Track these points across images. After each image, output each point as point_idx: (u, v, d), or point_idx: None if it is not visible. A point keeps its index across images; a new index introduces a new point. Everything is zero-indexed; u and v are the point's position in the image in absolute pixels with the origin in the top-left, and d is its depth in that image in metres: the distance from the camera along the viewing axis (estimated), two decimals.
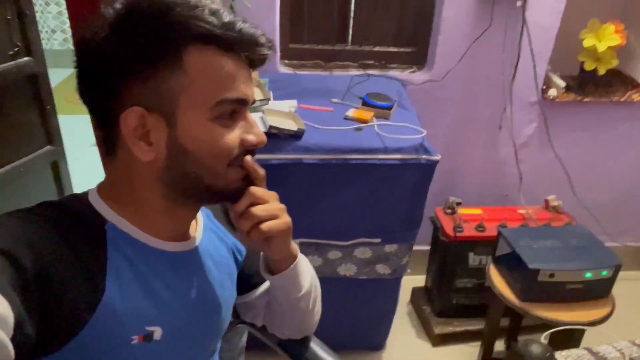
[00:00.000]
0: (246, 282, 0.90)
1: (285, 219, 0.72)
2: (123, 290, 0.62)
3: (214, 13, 0.58)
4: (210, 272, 0.77)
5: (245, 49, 0.62)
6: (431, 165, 1.65)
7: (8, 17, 2.05)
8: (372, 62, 2.16)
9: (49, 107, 2.06)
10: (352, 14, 2.11)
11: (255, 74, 1.89)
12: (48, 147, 2.30)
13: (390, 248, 1.81)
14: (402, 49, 2.17)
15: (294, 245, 0.80)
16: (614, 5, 2.14)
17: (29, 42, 2.14)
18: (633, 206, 2.47)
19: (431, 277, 2.28)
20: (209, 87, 0.60)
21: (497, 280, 1.76)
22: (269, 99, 1.78)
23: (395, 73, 2.15)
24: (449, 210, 2.13)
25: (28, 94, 2.10)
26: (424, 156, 1.64)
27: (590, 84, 2.15)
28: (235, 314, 0.98)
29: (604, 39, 2.00)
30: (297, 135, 1.62)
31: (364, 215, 1.72)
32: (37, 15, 4.68)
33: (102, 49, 0.59)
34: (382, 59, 2.16)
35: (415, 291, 2.42)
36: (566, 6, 1.97)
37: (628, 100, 2.14)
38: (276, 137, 1.63)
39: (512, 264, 1.71)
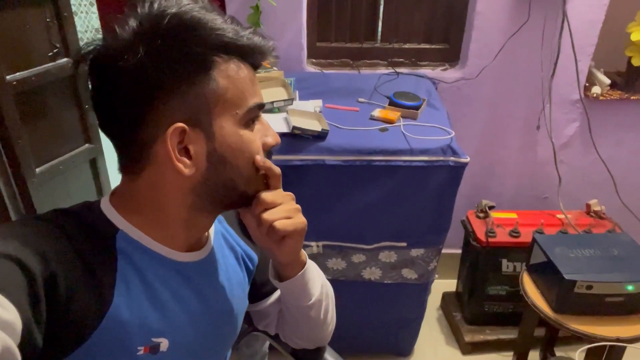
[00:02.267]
0: (259, 290, 0.89)
1: (299, 219, 0.71)
2: (131, 300, 0.62)
3: (232, 25, 0.61)
4: (220, 281, 0.77)
5: (257, 58, 0.65)
6: (459, 168, 1.58)
7: (47, 20, 2.11)
8: (401, 59, 2.09)
9: (87, 106, 2.12)
10: (381, 10, 2.05)
11: (280, 73, 1.86)
12: (87, 146, 2.37)
13: (416, 252, 1.75)
14: (433, 46, 2.09)
15: (304, 253, 0.78)
16: None
17: (68, 43, 2.20)
18: None
19: (462, 282, 2.20)
20: (239, 95, 0.62)
21: (531, 289, 1.67)
22: (293, 99, 1.75)
23: (425, 71, 2.07)
24: (481, 214, 2.05)
25: (67, 94, 2.17)
26: (452, 158, 1.56)
27: (638, 80, 2.00)
28: (249, 321, 0.96)
29: None
30: (320, 136, 1.59)
31: (389, 218, 1.67)
32: (82, 15, 4.85)
33: (132, 69, 0.57)
34: (412, 57, 2.09)
35: (445, 296, 2.34)
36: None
37: None
38: (299, 137, 1.60)
39: (547, 273, 1.62)
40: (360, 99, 1.85)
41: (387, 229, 1.69)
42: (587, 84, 2.01)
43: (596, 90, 1.99)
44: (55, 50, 2.16)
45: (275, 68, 1.89)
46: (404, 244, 1.72)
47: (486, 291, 2.04)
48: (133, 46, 0.57)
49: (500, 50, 1.95)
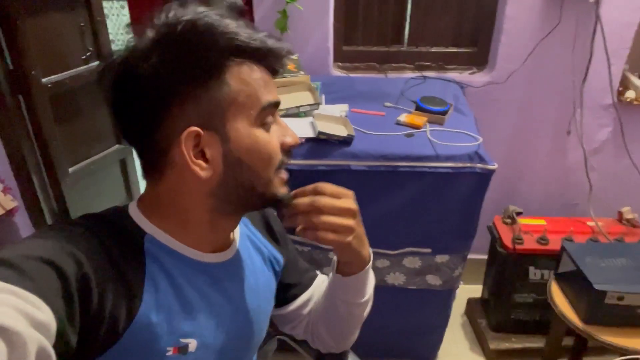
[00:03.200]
0: (285, 293, 0.89)
1: (344, 239, 0.69)
2: (159, 302, 0.63)
3: (246, 29, 0.61)
4: (247, 281, 0.77)
5: (272, 61, 0.64)
6: (486, 175, 1.55)
7: (81, 24, 2.18)
8: (428, 63, 2.08)
9: None
10: (408, 14, 2.04)
11: (306, 78, 1.88)
12: (117, 146, 2.44)
13: (441, 259, 1.74)
14: (461, 50, 2.07)
15: (367, 251, 0.78)
16: None
17: (100, 46, 2.26)
18: None
19: (488, 289, 2.17)
20: (252, 96, 0.62)
21: (559, 299, 1.64)
22: (319, 104, 1.75)
23: (453, 75, 2.05)
24: (508, 220, 2.01)
25: (99, 96, 2.23)
26: (479, 165, 1.54)
27: None
28: (273, 325, 0.97)
29: None
30: (346, 141, 1.59)
31: (413, 224, 1.66)
32: (113, 17, 4.97)
33: (147, 76, 0.59)
34: (439, 60, 2.07)
35: (470, 302, 2.31)
36: None
37: None
38: (325, 142, 1.61)
39: (576, 282, 1.58)
40: (387, 104, 1.84)
41: (412, 235, 1.68)
42: (620, 88, 1.96)
43: (630, 94, 1.94)
44: (88, 54, 2.23)
45: (301, 72, 1.89)
46: (429, 250, 1.71)
47: (512, 298, 2.01)
48: (149, 54, 0.58)
49: (530, 54, 1.91)
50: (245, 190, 0.65)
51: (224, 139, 0.61)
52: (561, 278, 1.68)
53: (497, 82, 2.00)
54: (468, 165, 1.54)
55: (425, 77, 2.00)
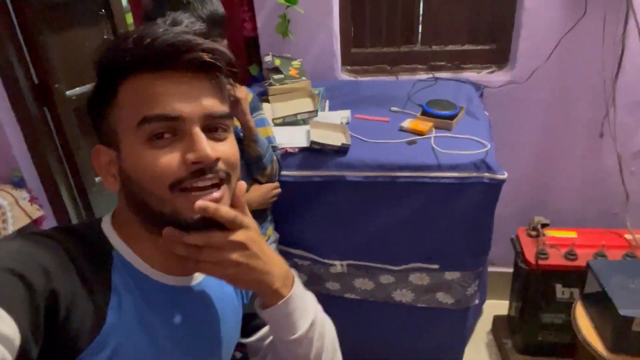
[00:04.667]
0: (249, 323, 0.85)
1: (226, 272, 0.63)
2: (122, 320, 0.61)
3: (136, 41, 0.58)
4: (213, 308, 0.75)
5: (165, 62, 0.59)
6: (495, 185, 1.41)
7: (105, 37, 2.22)
8: (443, 63, 1.94)
9: None
10: (420, 11, 1.91)
11: (307, 83, 1.79)
12: None
13: (451, 276, 1.60)
14: (478, 47, 1.91)
15: (278, 284, 0.69)
16: None
17: None
18: None
19: (514, 306, 2.00)
20: (133, 109, 0.59)
21: (584, 322, 1.47)
22: (317, 111, 1.67)
23: (470, 75, 1.90)
24: (532, 232, 1.84)
25: None
26: (487, 174, 1.40)
27: None
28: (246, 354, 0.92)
29: None
30: (341, 150, 1.50)
31: (417, 238, 1.54)
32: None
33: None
34: (455, 59, 1.93)
35: (496, 320, 2.14)
36: None
37: None
38: (319, 152, 1.52)
39: (601, 305, 1.41)
40: (393, 108, 1.73)
41: (416, 249, 1.56)
42: None
43: None
44: None
45: (304, 78, 1.82)
46: (437, 267, 1.58)
47: (540, 318, 1.83)
48: None
49: (554, 49, 1.74)
50: (143, 209, 0.62)
51: (119, 156, 0.62)
52: (587, 300, 1.51)
53: (519, 81, 1.83)
54: (474, 175, 1.41)
55: (436, 79, 1.87)
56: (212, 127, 0.61)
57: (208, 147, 0.59)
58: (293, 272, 0.72)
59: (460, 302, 1.65)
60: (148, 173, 0.59)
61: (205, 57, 0.59)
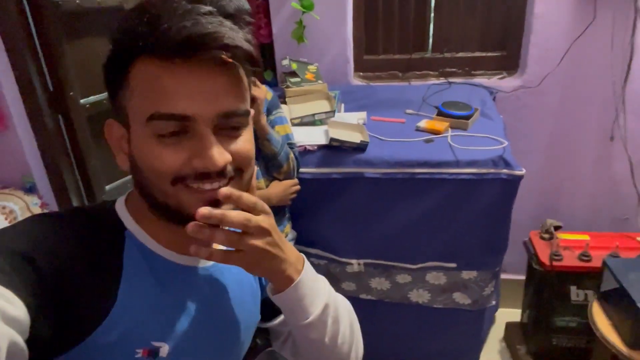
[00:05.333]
0: (271, 307, 0.81)
1: (249, 258, 0.60)
2: (133, 302, 0.60)
3: (152, 21, 0.53)
4: (229, 290, 0.73)
5: (181, 54, 0.53)
6: (513, 181, 1.43)
7: None
8: (454, 69, 1.98)
9: None
10: (431, 19, 1.96)
11: (324, 86, 1.83)
12: None
13: (468, 275, 1.60)
14: (488, 54, 1.96)
15: (294, 267, 0.68)
16: None
17: None
18: None
19: (527, 312, 1.99)
20: (143, 101, 0.56)
21: (601, 320, 1.46)
22: (334, 111, 1.70)
23: (481, 80, 1.94)
24: (546, 235, 1.85)
25: None
26: (505, 170, 1.42)
27: None
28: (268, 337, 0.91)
29: None
30: (359, 147, 1.52)
31: (435, 236, 1.54)
32: None
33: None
34: (465, 66, 1.97)
35: (509, 327, 2.13)
36: None
37: None
38: (338, 149, 1.54)
39: (619, 302, 1.41)
40: (408, 111, 1.76)
41: (434, 247, 1.56)
42: None
43: None
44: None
45: (320, 81, 1.85)
46: (454, 265, 1.59)
47: (553, 322, 1.83)
48: None
49: (564, 54, 1.78)
50: (149, 196, 0.60)
51: (129, 138, 0.60)
52: (604, 298, 1.51)
53: (530, 86, 1.87)
54: (492, 171, 1.43)
55: (450, 83, 1.90)
56: (227, 125, 0.58)
57: (217, 154, 0.56)
58: (303, 257, 0.70)
59: (477, 302, 1.65)
60: (152, 166, 0.57)
61: (224, 54, 0.54)
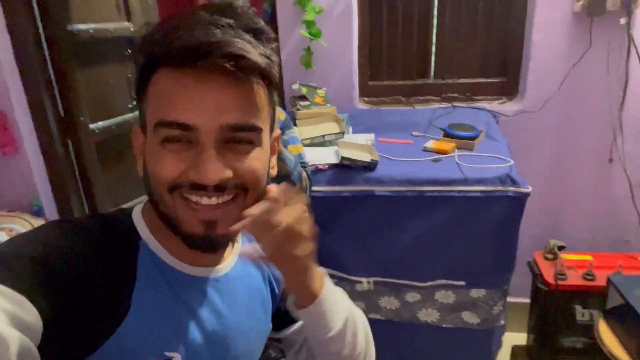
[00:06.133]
0: (284, 316, 0.82)
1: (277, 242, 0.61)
2: (146, 311, 0.61)
3: (169, 32, 0.54)
4: (240, 300, 0.73)
5: (190, 62, 0.53)
6: (520, 199, 1.47)
7: (129, 75, 2.32)
8: (456, 95, 2.05)
9: None
10: (433, 46, 2.04)
11: (333, 109, 1.88)
12: None
13: (477, 293, 1.62)
14: (489, 80, 2.04)
15: (322, 285, 0.70)
16: None
17: None
18: None
19: (532, 333, 2.00)
20: (154, 108, 0.57)
21: (608, 337, 1.48)
22: (344, 132, 1.75)
23: (483, 105, 2.01)
24: (549, 255, 1.88)
25: None
26: (512, 188, 1.47)
27: None
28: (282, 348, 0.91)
29: None
30: (370, 166, 1.56)
31: (444, 253, 1.57)
32: None
33: None
34: (467, 91, 2.04)
35: (515, 350, 2.12)
36: None
37: None
38: (349, 168, 1.58)
39: (625, 318, 1.43)
40: (415, 133, 1.81)
41: (443, 265, 1.59)
42: None
43: None
44: (134, 103, 2.35)
45: (329, 105, 1.91)
46: (462, 283, 1.60)
47: (559, 343, 1.83)
48: None
49: (563, 80, 1.86)
50: (155, 205, 0.61)
51: (145, 144, 0.61)
52: (610, 315, 1.53)
53: (530, 110, 1.94)
54: (500, 188, 1.47)
55: (454, 106, 1.97)
56: (234, 139, 0.57)
57: (212, 169, 0.55)
58: (323, 270, 0.71)
59: (486, 321, 1.66)
60: (153, 172, 0.58)
61: (227, 62, 0.52)
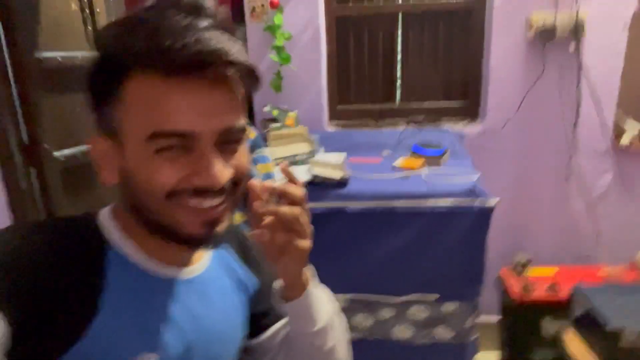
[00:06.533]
0: (258, 322, 0.82)
1: (299, 243, 0.64)
2: (117, 315, 0.60)
3: (151, 35, 0.53)
4: (214, 302, 0.72)
5: (186, 71, 0.53)
6: (487, 211, 1.52)
7: None
8: (421, 117, 2.13)
9: None
10: (398, 72, 2.13)
11: (304, 129, 1.92)
12: None
13: (450, 307, 1.64)
14: (452, 102, 2.13)
15: (308, 278, 0.72)
16: None
17: None
18: None
19: (503, 350, 2.02)
20: (141, 118, 0.55)
21: (575, 347, 1.52)
22: (314, 152, 1.78)
23: (447, 127, 2.09)
24: (516, 270, 1.93)
25: None
26: (478, 200, 1.52)
27: None
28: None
29: None
30: (341, 183, 1.59)
31: (417, 267, 1.59)
32: None
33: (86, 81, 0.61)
34: (432, 114, 2.13)
35: None
36: (632, 44, 1.87)
37: None
38: (321, 185, 1.60)
39: (591, 326, 1.48)
40: (385, 152, 1.87)
41: (416, 279, 1.61)
42: (616, 133, 1.98)
43: (625, 139, 1.95)
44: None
45: (299, 126, 1.95)
46: (436, 296, 1.63)
47: (529, 357, 1.87)
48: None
49: (521, 102, 1.97)
50: (141, 212, 0.60)
51: (122, 152, 0.58)
52: (575, 325, 1.58)
53: (490, 131, 2.03)
54: (466, 201, 1.52)
55: (421, 128, 2.04)
56: (227, 140, 0.58)
57: (219, 172, 0.56)
58: (310, 266, 0.73)
59: (459, 335, 1.68)
60: (149, 180, 0.56)
61: (232, 71, 0.54)
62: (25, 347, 0.51)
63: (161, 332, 0.64)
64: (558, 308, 1.78)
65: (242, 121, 0.59)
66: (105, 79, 0.57)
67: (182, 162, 0.56)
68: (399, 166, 1.70)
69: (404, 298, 1.63)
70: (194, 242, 0.62)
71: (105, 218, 0.65)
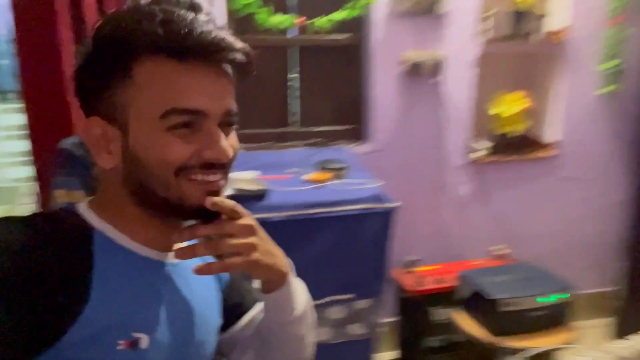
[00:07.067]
0: (229, 315, 0.84)
1: (248, 258, 0.67)
2: (110, 296, 0.62)
3: (164, 23, 0.59)
4: (197, 288, 0.75)
5: (200, 56, 0.60)
6: (390, 212, 1.76)
7: None
8: (318, 140, 2.37)
9: None
10: (289, 100, 2.39)
11: None
12: None
13: (363, 304, 1.82)
14: (344, 127, 2.42)
15: (283, 263, 0.76)
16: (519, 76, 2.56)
17: None
18: (571, 253, 2.65)
19: (401, 343, 2.28)
20: (156, 97, 0.60)
21: (465, 321, 1.82)
22: None
23: (341, 147, 2.35)
24: (407, 268, 2.22)
25: None
26: (383, 204, 1.76)
27: (503, 146, 2.46)
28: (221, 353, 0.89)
29: (509, 106, 2.35)
30: (260, 194, 1.70)
31: (334, 270, 1.74)
32: None
33: (77, 68, 0.64)
34: (327, 137, 2.38)
35: None
36: (480, 78, 2.34)
37: (538, 158, 2.49)
38: (240, 199, 1.69)
39: (478, 302, 1.79)
40: (292, 170, 2.03)
41: (334, 281, 1.75)
42: (469, 151, 2.43)
43: (473, 155, 2.42)
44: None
45: None
46: (352, 296, 1.80)
47: (422, 344, 2.14)
48: (85, 46, 0.63)
49: (399, 126, 2.32)
50: (146, 191, 0.63)
51: (125, 134, 0.62)
52: (463, 304, 1.88)
53: (378, 151, 2.34)
54: (373, 205, 1.74)
55: (320, 148, 2.27)
56: (227, 122, 0.64)
57: (227, 146, 0.62)
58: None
59: (371, 331, 1.86)
60: (158, 157, 0.60)
61: (242, 57, 0.62)
62: (16, 337, 0.53)
63: (151, 310, 0.66)
64: (446, 297, 2.09)
65: (236, 106, 0.66)
66: (109, 65, 0.60)
67: (191, 139, 0.61)
68: (310, 180, 1.87)
69: (322, 301, 1.78)
70: (198, 214, 0.65)
71: (83, 209, 0.67)
